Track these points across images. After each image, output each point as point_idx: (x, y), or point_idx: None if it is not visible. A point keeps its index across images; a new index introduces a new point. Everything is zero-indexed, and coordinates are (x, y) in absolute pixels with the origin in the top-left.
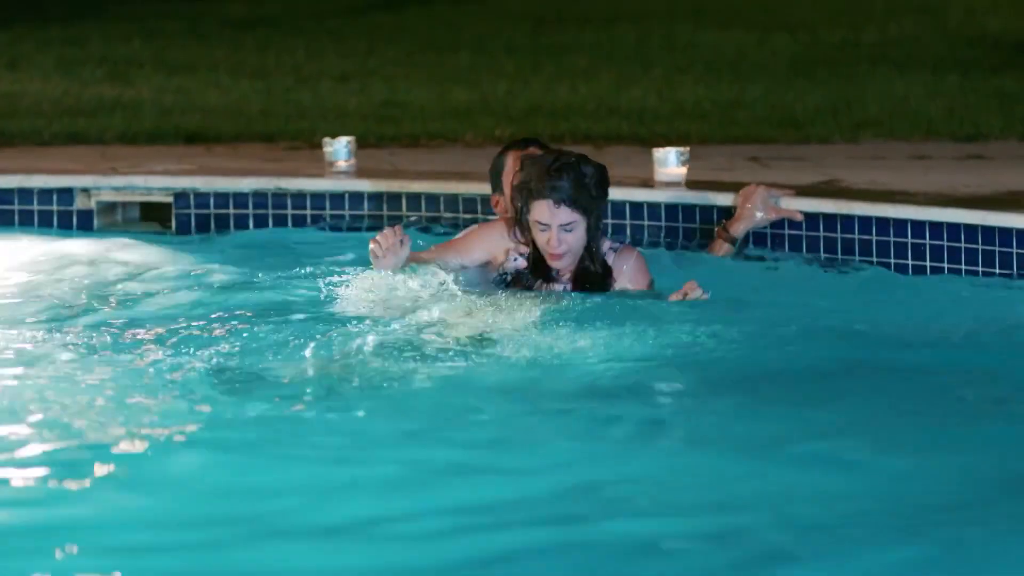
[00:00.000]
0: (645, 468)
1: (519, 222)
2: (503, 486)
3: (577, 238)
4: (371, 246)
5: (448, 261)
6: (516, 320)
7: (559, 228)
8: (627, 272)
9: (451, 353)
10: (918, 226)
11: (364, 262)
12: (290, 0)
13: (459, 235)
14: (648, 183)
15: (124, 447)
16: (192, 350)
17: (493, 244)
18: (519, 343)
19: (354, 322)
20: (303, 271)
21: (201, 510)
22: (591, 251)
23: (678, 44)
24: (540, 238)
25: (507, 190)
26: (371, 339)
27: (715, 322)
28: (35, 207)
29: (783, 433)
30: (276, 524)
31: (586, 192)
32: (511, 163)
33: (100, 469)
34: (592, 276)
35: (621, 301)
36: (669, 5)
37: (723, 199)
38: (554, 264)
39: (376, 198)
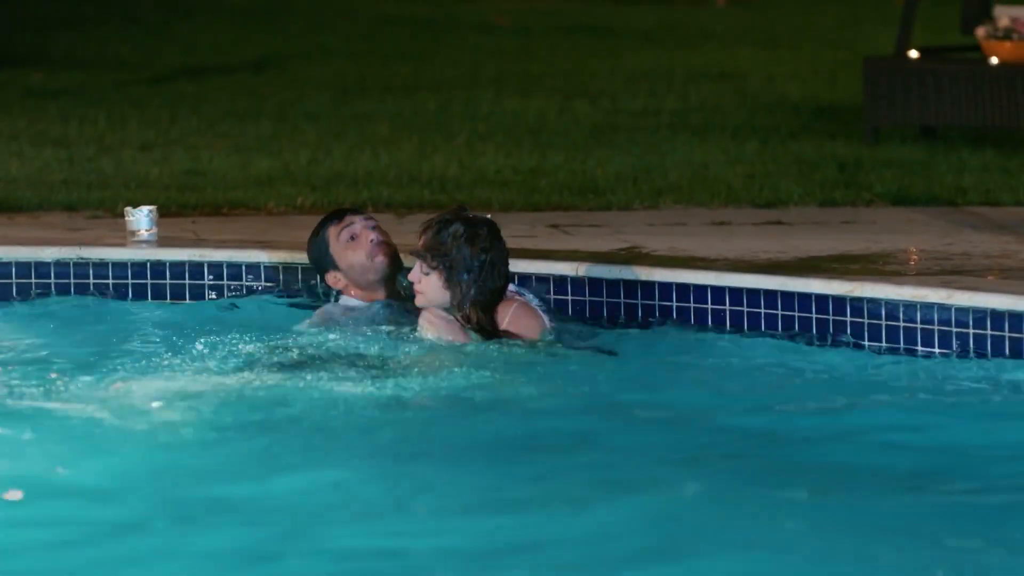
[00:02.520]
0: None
1: None
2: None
3: (432, 287)
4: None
5: None
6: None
7: (418, 269)
8: (510, 323)
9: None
10: (718, 292)
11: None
12: (92, 70)
13: None
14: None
15: None
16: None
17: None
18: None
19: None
20: (113, 340)
21: None
22: (466, 304)
23: (479, 112)
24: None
25: (339, 260)
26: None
27: (523, 385)
28: None
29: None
30: None
31: (442, 248)
32: (333, 235)
33: None
34: (482, 330)
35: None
36: (470, 74)
37: (524, 266)
38: (416, 303)
39: (178, 267)
